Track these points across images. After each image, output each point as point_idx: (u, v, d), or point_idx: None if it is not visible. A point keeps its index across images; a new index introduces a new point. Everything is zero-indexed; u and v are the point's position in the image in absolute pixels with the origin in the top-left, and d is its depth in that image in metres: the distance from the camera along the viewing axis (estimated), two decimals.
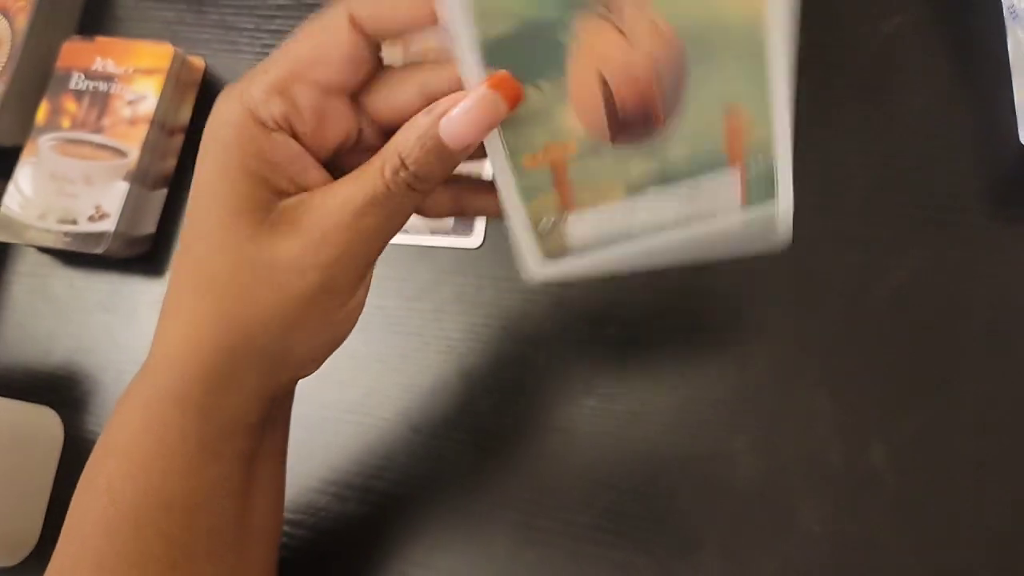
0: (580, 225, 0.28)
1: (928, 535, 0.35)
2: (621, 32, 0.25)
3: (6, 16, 0.49)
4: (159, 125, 0.46)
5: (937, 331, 0.38)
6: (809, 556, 0.36)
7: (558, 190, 0.28)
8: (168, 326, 0.27)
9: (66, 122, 0.46)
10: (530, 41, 0.25)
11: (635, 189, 0.28)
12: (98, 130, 0.46)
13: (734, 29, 0.25)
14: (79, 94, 0.47)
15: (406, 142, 0.25)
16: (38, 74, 0.49)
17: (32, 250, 0.48)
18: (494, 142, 0.27)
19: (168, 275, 0.46)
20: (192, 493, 0.27)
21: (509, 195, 0.28)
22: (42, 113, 0.47)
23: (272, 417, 0.30)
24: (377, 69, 0.27)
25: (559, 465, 0.39)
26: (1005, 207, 0.39)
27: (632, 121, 0.26)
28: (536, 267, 0.29)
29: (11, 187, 0.46)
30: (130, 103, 0.46)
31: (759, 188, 0.28)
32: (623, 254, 0.29)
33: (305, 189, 0.26)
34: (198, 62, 0.49)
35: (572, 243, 0.29)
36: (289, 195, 0.26)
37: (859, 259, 0.39)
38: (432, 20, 0.24)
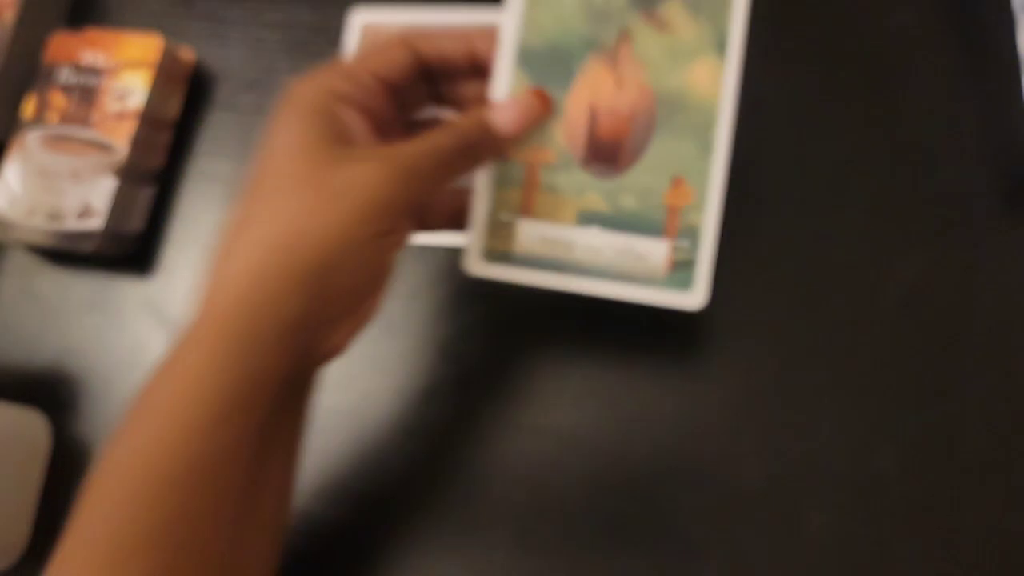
0: (529, 235, 0.33)
1: (936, 539, 0.35)
2: (617, 80, 0.32)
3: None
4: (148, 120, 0.45)
5: (945, 331, 0.37)
6: (816, 561, 0.35)
7: (525, 191, 0.33)
8: (220, 263, 0.28)
9: (54, 117, 0.45)
10: (551, 59, 0.33)
11: (585, 220, 0.33)
12: (86, 125, 0.45)
13: (694, 110, 0.32)
14: (67, 88, 0.46)
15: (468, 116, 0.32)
16: (26, 68, 0.48)
17: (19, 249, 0.48)
18: None
19: (159, 271, 0.46)
20: (205, 455, 0.26)
21: (485, 175, 0.33)
22: (30, 108, 0.46)
23: (286, 406, 0.30)
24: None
25: (560, 470, 0.38)
26: (1015, 203, 0.38)
27: (603, 151, 0.33)
28: (475, 262, 0.34)
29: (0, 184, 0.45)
30: (119, 97, 0.45)
31: (680, 275, 0.33)
32: (553, 281, 0.33)
33: None
34: (188, 55, 0.48)
35: (516, 249, 0.33)
36: None
37: (865, 258, 0.39)
38: (467, 58, 0.32)
